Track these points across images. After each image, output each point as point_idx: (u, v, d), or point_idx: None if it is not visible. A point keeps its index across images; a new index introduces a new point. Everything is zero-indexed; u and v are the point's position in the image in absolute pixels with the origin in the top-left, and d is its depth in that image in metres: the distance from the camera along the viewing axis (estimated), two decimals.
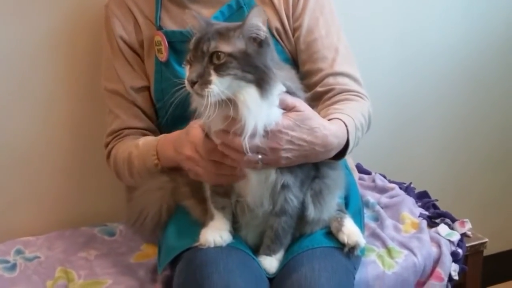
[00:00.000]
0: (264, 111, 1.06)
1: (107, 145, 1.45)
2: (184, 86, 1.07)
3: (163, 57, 1.38)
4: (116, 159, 1.40)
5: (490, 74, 2.18)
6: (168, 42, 1.37)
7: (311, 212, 1.20)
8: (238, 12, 1.37)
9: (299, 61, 1.40)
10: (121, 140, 1.42)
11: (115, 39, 1.42)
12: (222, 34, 1.05)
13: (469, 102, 2.17)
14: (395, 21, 1.98)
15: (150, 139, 1.37)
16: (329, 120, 1.20)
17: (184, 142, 1.17)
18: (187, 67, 1.07)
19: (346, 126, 1.20)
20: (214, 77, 1.03)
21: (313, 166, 1.20)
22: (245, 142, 1.06)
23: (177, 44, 1.37)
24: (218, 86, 1.03)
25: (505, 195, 2.33)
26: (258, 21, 1.07)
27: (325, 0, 1.40)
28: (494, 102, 2.22)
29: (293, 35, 1.39)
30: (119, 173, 1.42)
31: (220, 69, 1.03)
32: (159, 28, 1.39)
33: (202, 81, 1.03)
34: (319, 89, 1.35)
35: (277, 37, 1.38)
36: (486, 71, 2.17)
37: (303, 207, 1.19)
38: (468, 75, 2.14)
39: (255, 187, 1.15)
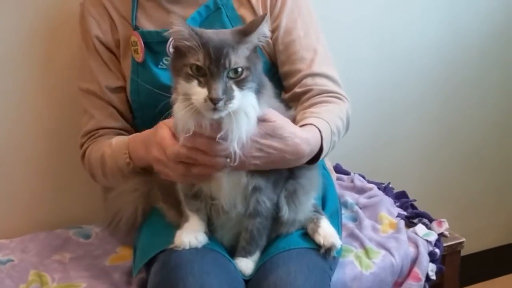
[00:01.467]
0: (255, 117, 1.07)
1: (82, 145, 1.43)
2: (168, 97, 1.06)
3: (139, 57, 1.36)
4: (90, 160, 1.38)
5: (469, 76, 2.19)
6: (144, 43, 1.35)
7: (286, 213, 1.19)
8: (215, 13, 1.36)
9: (278, 62, 1.39)
10: (96, 140, 1.40)
11: (90, 39, 1.40)
12: (232, 46, 1.03)
13: (449, 103, 2.18)
14: (375, 22, 1.98)
15: (122, 138, 1.35)
16: (304, 125, 1.19)
17: (152, 143, 1.15)
18: (194, 83, 1.02)
19: (320, 132, 1.19)
20: (237, 92, 1.02)
21: None
22: (234, 147, 1.05)
23: (154, 44, 1.35)
24: (239, 100, 1.02)
25: (483, 195, 2.35)
26: (266, 28, 1.07)
27: (303, 1, 1.40)
28: (474, 103, 2.23)
29: (271, 36, 1.38)
30: (93, 173, 1.40)
31: (241, 84, 1.03)
32: (135, 28, 1.37)
33: (227, 97, 1.01)
34: (297, 90, 1.34)
35: None
36: (466, 72, 2.18)
37: (277, 208, 1.19)
38: (448, 77, 2.15)
39: (227, 189, 1.14)
